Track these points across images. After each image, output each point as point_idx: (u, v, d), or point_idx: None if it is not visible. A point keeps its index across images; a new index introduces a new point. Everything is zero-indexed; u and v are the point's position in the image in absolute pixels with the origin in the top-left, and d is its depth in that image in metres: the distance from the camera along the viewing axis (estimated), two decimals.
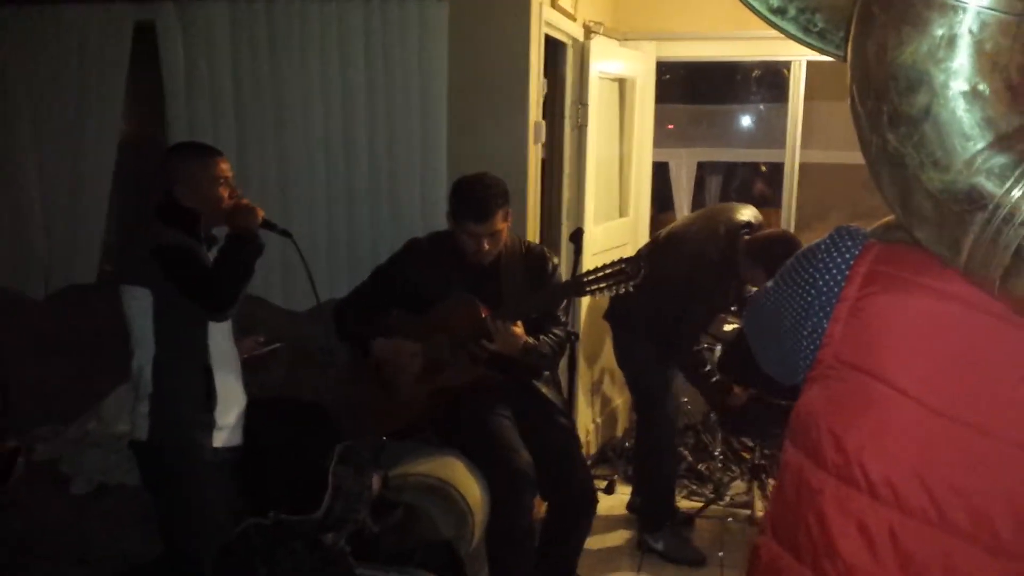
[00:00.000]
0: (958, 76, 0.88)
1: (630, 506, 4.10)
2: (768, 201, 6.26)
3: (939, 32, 0.87)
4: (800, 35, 1.27)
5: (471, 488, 2.96)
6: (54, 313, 3.79)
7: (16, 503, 3.01)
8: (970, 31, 0.87)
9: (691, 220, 3.90)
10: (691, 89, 6.33)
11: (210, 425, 2.55)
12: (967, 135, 0.87)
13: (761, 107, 6.39)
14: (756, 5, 1.27)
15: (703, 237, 3.64)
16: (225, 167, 2.64)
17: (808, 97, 4.80)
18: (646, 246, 3.96)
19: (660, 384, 3.82)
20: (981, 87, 0.87)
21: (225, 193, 2.61)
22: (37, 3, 3.79)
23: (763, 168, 6.36)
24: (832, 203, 6.17)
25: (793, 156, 4.86)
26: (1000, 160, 0.86)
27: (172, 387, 2.54)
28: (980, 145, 0.87)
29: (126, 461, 2.91)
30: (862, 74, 0.96)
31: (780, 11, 1.25)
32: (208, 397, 2.54)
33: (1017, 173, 0.85)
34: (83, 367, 3.47)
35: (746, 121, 6.62)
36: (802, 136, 4.85)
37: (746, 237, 3.56)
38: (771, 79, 5.95)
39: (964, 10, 0.87)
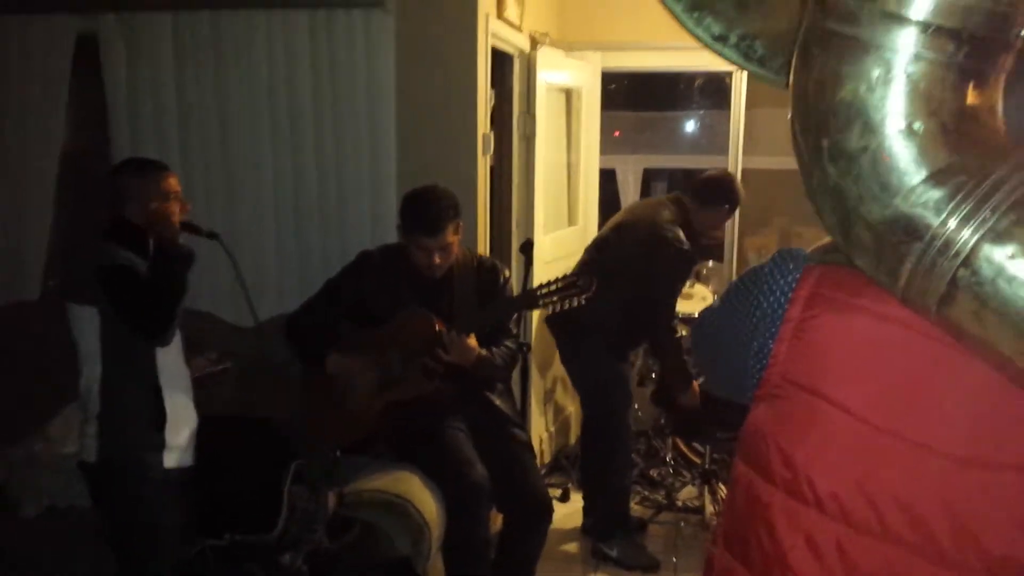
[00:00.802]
0: (894, 114, 0.92)
1: (585, 528, 4.05)
2: None
3: (875, 72, 0.91)
4: (741, 61, 1.31)
5: (427, 502, 2.97)
6: None
7: None
8: (905, 72, 0.91)
9: (631, 209, 4.09)
10: (636, 97, 6.41)
11: (160, 445, 2.51)
12: (904, 170, 0.92)
13: (704, 114, 6.49)
14: (699, 33, 1.31)
15: (653, 211, 3.79)
16: (173, 182, 2.61)
17: (750, 105, 4.90)
18: (593, 248, 3.99)
19: (618, 388, 3.86)
20: (916, 125, 0.91)
21: (175, 208, 2.58)
22: None
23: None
24: (775, 208, 6.29)
25: (736, 162, 4.96)
26: (935, 194, 0.90)
27: (121, 407, 2.51)
28: (916, 180, 0.91)
29: (76, 482, 2.85)
30: (803, 109, 1.00)
31: (721, 38, 1.29)
32: (158, 417, 2.51)
33: (951, 206, 0.90)
34: (28, 386, 3.39)
35: (690, 128, 6.72)
36: (744, 142, 4.95)
37: (687, 198, 3.82)
38: (714, 87, 6.05)
39: (899, 52, 0.91)
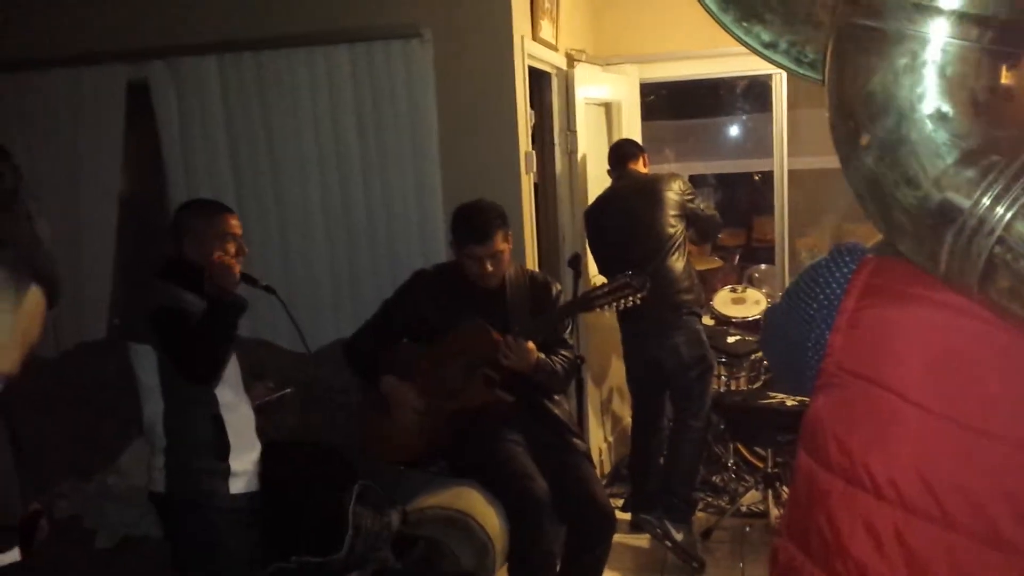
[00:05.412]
0: (924, 99, 0.94)
1: (639, 506, 4.03)
2: (761, 209, 6.34)
3: (903, 61, 0.93)
4: (792, 67, 1.33)
5: (489, 517, 2.98)
6: (67, 370, 3.81)
7: (40, 562, 3.02)
8: (932, 59, 0.93)
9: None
10: (676, 105, 6.41)
11: (225, 473, 2.56)
12: (936, 153, 0.93)
13: (746, 118, 6.46)
14: (748, 41, 1.33)
15: (624, 171, 4.10)
16: (234, 223, 2.66)
17: (792, 106, 4.88)
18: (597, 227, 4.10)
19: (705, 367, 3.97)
20: (945, 108, 0.92)
21: (232, 249, 2.63)
22: (30, 69, 3.86)
23: (756, 177, 6.43)
24: (824, 207, 6.23)
25: (781, 164, 4.94)
26: (967, 175, 0.92)
27: (184, 439, 2.56)
28: (948, 162, 0.93)
29: (149, 513, 2.92)
30: (838, 101, 1.02)
31: (772, 45, 1.32)
32: (221, 446, 2.55)
33: (983, 186, 0.91)
34: (100, 421, 3.49)
35: (733, 132, 6.70)
36: (789, 144, 4.92)
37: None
38: (755, 91, 6.03)
39: (924, 40, 0.93)
